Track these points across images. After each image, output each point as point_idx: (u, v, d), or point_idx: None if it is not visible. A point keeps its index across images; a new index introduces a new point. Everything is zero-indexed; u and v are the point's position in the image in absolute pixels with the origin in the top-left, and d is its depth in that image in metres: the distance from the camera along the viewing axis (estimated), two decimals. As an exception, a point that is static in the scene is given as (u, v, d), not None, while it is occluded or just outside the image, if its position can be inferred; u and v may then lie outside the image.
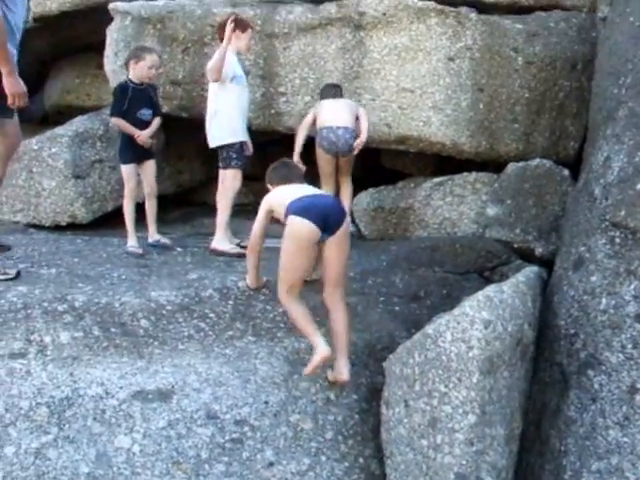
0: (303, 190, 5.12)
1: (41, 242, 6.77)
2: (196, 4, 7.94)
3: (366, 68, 7.33)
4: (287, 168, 5.56)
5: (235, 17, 6.77)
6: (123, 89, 6.60)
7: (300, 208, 4.86)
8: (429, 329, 4.51)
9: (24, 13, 5.40)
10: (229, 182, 6.63)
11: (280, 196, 5.13)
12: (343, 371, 4.73)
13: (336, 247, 4.86)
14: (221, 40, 6.69)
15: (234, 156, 6.63)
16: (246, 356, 4.79)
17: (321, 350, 4.63)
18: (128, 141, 6.61)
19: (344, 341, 4.80)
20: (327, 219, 4.82)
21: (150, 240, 6.70)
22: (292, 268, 4.82)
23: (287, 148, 7.06)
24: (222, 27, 6.70)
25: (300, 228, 4.79)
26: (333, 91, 7.19)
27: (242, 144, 6.71)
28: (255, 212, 8.19)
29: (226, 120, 6.62)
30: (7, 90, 5.02)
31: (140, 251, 6.47)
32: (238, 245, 6.64)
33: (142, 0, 8.19)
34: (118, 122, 6.62)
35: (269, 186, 5.46)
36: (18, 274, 5.45)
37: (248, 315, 5.10)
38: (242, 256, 6.11)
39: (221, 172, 6.69)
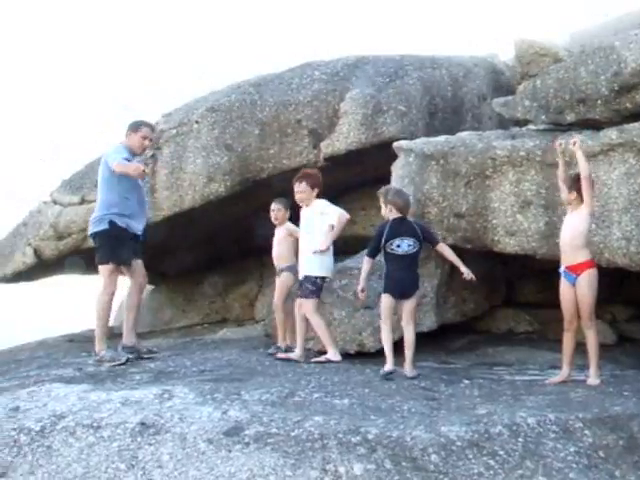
0: None
1: (333, 371, 7.10)
2: (476, 138, 8.20)
3: (653, 193, 7.13)
4: None
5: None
6: None
7: None
8: None
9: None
10: None
11: None
12: None
13: None
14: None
15: None
16: (537, 496, 4.70)
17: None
18: None
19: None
20: None
21: None
22: None
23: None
24: None
25: None
26: None
27: None
28: (540, 340, 8.10)
29: None
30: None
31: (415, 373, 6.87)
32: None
33: (424, 137, 8.60)
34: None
35: None
36: (127, 360, 7.20)
37: (538, 454, 5.00)
38: None
39: None
